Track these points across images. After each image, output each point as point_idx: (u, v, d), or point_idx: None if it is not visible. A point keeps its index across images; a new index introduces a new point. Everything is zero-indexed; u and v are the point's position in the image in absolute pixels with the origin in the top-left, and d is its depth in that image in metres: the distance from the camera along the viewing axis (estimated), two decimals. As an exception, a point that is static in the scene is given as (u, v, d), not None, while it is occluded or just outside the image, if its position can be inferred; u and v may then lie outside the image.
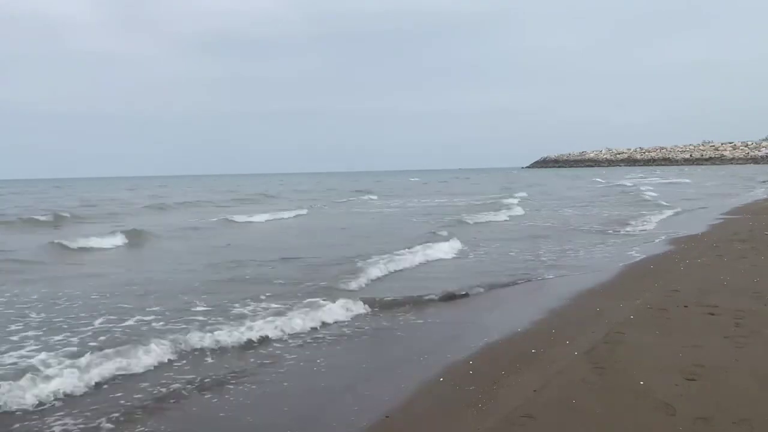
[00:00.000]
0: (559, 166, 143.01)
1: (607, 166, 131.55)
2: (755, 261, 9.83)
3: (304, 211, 26.81)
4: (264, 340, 6.53)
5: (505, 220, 20.92)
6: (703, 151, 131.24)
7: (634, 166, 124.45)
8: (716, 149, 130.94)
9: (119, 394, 5.08)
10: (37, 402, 4.88)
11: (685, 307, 7.02)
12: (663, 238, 13.97)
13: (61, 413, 4.72)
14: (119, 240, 15.69)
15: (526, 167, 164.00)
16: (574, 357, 5.49)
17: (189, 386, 5.23)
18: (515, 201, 30.13)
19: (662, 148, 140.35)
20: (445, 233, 15.24)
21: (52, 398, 4.95)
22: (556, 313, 7.33)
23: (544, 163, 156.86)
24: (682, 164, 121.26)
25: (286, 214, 24.70)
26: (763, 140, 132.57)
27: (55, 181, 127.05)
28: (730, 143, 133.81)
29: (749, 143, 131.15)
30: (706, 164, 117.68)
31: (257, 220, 22.43)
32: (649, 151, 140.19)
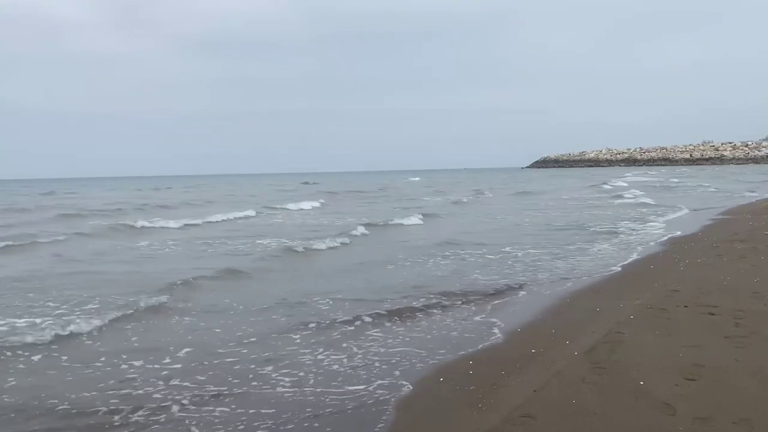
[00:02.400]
0: (559, 166, 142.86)
1: (607, 166, 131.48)
2: (755, 261, 9.83)
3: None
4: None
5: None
6: (703, 151, 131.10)
7: (635, 166, 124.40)
8: (716, 149, 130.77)
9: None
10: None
11: (685, 307, 7.02)
12: (665, 238, 13.97)
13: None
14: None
15: (526, 167, 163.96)
16: (574, 357, 5.49)
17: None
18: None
19: (662, 148, 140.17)
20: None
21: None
22: (556, 313, 7.34)
23: (544, 163, 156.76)
24: (683, 164, 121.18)
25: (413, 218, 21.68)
26: (763, 140, 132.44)
27: (55, 182, 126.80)
28: (730, 143, 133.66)
29: (749, 143, 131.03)
30: (706, 164, 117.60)
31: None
32: (649, 151, 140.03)
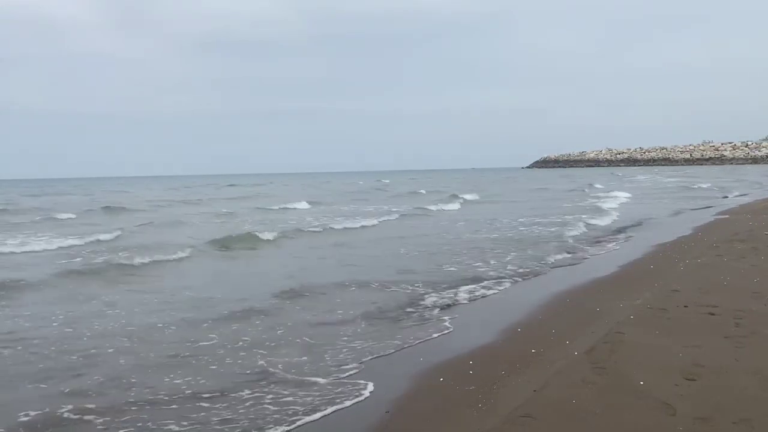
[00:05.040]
0: (560, 166, 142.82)
1: (607, 166, 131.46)
2: (755, 261, 9.83)
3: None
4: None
5: None
6: (703, 151, 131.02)
7: (635, 166, 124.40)
8: (716, 149, 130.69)
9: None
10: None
11: (685, 307, 7.02)
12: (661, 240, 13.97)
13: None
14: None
15: (526, 167, 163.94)
16: (574, 357, 5.49)
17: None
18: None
19: (662, 148, 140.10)
20: None
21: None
22: (556, 313, 7.34)
23: (544, 163, 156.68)
24: (683, 164, 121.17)
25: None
26: (763, 140, 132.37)
27: (59, 182, 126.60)
28: (730, 143, 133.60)
29: (749, 143, 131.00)
30: (706, 164, 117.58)
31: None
32: (649, 151, 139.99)
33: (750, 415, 4.13)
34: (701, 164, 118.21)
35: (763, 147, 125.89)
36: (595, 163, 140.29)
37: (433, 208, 27.01)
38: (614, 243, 13.94)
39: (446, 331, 6.87)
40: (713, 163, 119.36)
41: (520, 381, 5.05)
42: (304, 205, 30.26)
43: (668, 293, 7.79)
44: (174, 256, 12.57)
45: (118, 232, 17.15)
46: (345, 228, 18.88)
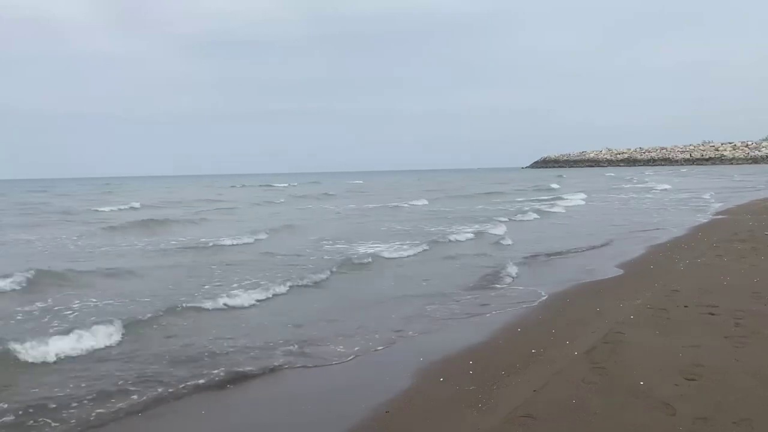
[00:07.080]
0: (559, 166, 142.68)
1: (607, 166, 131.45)
2: (755, 261, 9.83)
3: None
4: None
5: None
6: (703, 151, 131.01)
7: (635, 166, 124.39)
8: (716, 149, 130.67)
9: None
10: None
11: (685, 307, 7.03)
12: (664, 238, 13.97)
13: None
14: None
15: (526, 167, 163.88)
16: (574, 357, 5.49)
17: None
18: None
19: (662, 148, 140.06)
20: None
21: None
22: (556, 313, 7.34)
23: (544, 163, 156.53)
24: (683, 164, 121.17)
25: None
26: (763, 140, 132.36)
27: (58, 181, 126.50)
28: (730, 143, 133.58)
29: (749, 143, 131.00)
30: (706, 164, 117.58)
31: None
32: (649, 151, 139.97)
33: (750, 415, 4.13)
34: (701, 164, 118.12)
35: (763, 147, 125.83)
36: (595, 163, 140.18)
37: (549, 209, 24.96)
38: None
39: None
40: (713, 163, 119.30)
41: (520, 381, 5.05)
42: (423, 201, 31.42)
43: (668, 293, 7.79)
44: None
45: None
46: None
